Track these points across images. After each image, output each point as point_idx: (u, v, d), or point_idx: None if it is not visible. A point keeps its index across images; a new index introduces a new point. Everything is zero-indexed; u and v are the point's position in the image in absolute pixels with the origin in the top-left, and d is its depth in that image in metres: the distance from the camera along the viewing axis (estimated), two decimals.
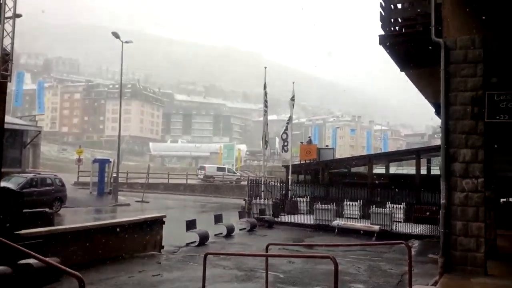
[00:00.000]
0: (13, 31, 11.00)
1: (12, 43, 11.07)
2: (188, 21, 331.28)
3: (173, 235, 13.88)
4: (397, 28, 10.24)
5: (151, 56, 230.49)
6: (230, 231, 16.57)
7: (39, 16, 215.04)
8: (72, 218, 19.95)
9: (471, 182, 8.47)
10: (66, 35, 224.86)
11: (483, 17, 8.39)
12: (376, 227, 16.86)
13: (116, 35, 28.67)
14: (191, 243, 14.14)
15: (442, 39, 8.80)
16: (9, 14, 11.04)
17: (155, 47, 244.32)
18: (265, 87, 24.41)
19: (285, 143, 24.65)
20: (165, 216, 13.10)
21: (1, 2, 10.92)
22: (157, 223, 12.83)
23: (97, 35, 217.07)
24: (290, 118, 25.33)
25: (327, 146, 54.80)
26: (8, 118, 19.75)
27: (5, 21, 10.97)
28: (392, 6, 10.09)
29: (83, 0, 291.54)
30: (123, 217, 17.23)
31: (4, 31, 10.92)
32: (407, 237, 16.03)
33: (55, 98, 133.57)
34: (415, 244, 15.16)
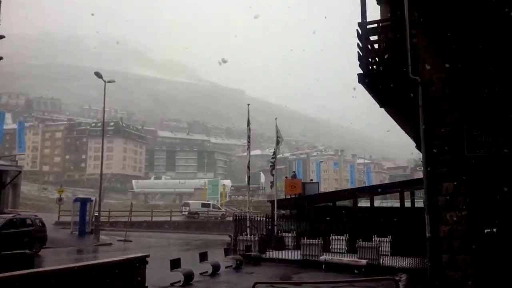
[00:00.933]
0: None
1: None
2: (170, 60, 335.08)
3: (157, 275, 13.55)
4: (374, 67, 10.54)
5: (134, 94, 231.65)
6: (216, 269, 16.26)
7: (20, 57, 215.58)
8: (53, 259, 19.33)
9: (455, 215, 8.57)
10: (47, 75, 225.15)
11: (455, 56, 8.74)
12: (364, 261, 16.74)
13: (98, 75, 28.74)
14: (176, 283, 13.81)
15: (419, 76, 9.10)
16: None
17: (138, 85, 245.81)
18: (248, 124, 24.58)
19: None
20: (148, 256, 12.79)
21: None
22: (140, 263, 12.50)
23: (78, 75, 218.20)
24: (275, 154, 25.46)
25: (311, 180, 54.90)
26: None
27: None
28: (369, 46, 10.43)
29: (64, 40, 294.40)
30: (105, 257, 16.77)
31: None
32: (394, 270, 15.92)
33: (36, 137, 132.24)
34: (403, 277, 15.06)
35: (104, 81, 28.99)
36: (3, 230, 19.04)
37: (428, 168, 8.91)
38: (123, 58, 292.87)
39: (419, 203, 21.83)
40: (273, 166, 25.04)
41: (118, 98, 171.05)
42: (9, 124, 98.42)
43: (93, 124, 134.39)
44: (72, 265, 12.47)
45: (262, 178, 79.78)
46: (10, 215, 22.08)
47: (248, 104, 24.86)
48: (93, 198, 32.34)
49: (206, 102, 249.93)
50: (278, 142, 26.00)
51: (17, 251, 19.63)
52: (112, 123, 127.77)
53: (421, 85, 9.07)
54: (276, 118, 26.33)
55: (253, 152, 24.72)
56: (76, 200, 32.45)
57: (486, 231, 8.76)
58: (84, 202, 30.94)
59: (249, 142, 24.81)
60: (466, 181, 8.65)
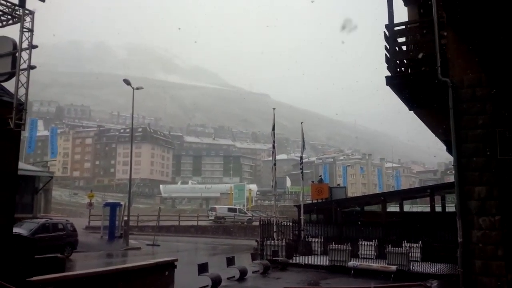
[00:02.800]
0: (27, 82, 11.27)
1: (27, 94, 11.32)
2: (195, 66, 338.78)
3: (185, 279, 13.65)
4: (403, 69, 10.36)
5: (161, 100, 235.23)
6: (243, 274, 16.26)
7: (51, 66, 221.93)
8: (83, 263, 19.76)
9: (488, 220, 8.32)
10: (77, 83, 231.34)
11: (486, 57, 8.51)
12: (393, 267, 16.46)
13: (127, 82, 29.29)
14: (204, 287, 13.88)
15: (449, 78, 8.90)
16: (23, 66, 11.36)
17: (164, 92, 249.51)
18: (273, 128, 24.57)
19: None
20: (176, 260, 12.90)
21: (17, 55, 11.27)
22: (169, 267, 12.63)
23: (107, 82, 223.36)
24: (301, 159, 25.42)
25: (338, 184, 54.43)
26: (20, 165, 19.97)
27: (20, 72, 11.29)
28: (397, 48, 10.26)
29: (92, 48, 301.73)
30: (134, 261, 17.05)
31: (19, 82, 11.23)
32: (425, 276, 15.60)
33: (67, 143, 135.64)
34: (434, 284, 14.72)
35: (133, 88, 29.51)
36: (36, 234, 19.55)
37: (460, 172, 8.69)
38: (150, 65, 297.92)
39: (450, 208, 21.35)
40: (301, 171, 25.05)
41: (145, 105, 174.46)
42: (41, 131, 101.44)
43: (122, 130, 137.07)
44: (102, 269, 12.70)
45: (288, 182, 79.36)
46: (43, 219, 22.69)
47: (274, 109, 24.86)
48: (122, 203, 32.85)
49: (232, 107, 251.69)
50: (303, 147, 25.96)
51: (49, 255, 20.12)
52: (140, 129, 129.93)
53: (451, 87, 8.87)
54: (302, 123, 26.24)
55: (278, 157, 24.66)
56: (106, 205, 33.04)
57: None
58: (113, 207, 31.47)
59: (274, 146, 24.81)
60: (499, 184, 8.39)
